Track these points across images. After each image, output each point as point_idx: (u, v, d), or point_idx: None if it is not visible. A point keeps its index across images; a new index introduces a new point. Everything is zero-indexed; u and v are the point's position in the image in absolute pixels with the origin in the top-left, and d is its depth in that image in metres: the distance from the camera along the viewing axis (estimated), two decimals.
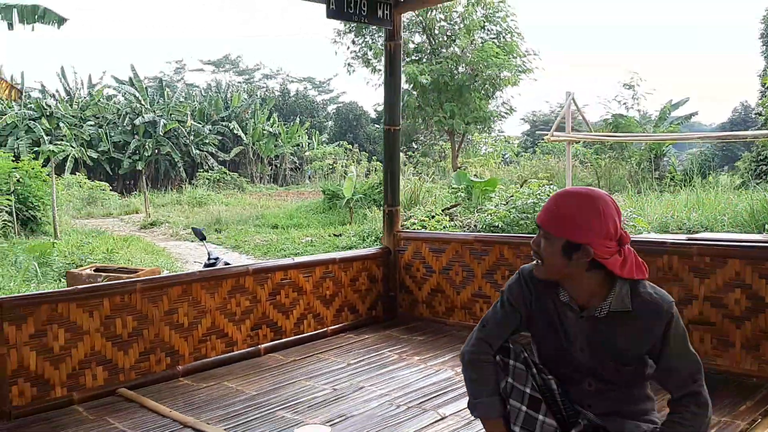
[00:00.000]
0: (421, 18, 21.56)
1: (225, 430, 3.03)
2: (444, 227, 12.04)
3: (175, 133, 33.15)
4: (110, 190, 26.46)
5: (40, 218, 15.51)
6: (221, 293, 4.02)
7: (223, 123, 35.55)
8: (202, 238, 5.54)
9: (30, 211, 15.43)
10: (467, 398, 2.36)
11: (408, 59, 21.66)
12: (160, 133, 32.29)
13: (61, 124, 30.50)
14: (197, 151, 33.68)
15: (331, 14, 4.43)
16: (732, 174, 22.74)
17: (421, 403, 3.31)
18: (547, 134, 10.64)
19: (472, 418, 2.54)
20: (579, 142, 14.66)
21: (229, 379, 3.76)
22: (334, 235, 14.02)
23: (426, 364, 3.92)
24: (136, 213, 21.89)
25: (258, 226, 17.24)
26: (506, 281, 2.38)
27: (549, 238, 2.13)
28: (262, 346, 4.21)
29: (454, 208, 13.81)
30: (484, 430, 2.32)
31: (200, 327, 3.93)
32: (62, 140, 29.58)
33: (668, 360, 2.16)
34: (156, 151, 32.64)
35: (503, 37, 21.89)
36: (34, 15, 12.81)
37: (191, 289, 3.87)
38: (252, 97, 39.19)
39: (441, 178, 23.96)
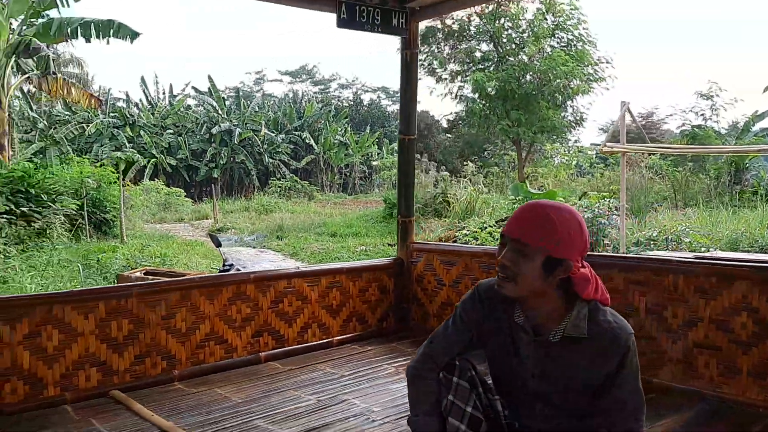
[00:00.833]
0: (489, 27, 21.38)
1: None
2: (497, 240, 11.84)
3: (250, 141, 34.10)
4: (185, 196, 27.43)
5: (112, 221, 16.21)
6: (221, 300, 4.06)
7: (296, 132, 36.30)
8: (218, 245, 5.64)
9: (103, 214, 16.15)
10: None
11: (474, 67, 21.51)
12: (236, 142, 33.28)
13: (143, 132, 31.89)
14: (270, 160, 34.51)
15: (341, 24, 4.42)
16: None
17: (398, 418, 3.23)
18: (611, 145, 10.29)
19: None
20: (633, 153, 14.09)
21: (222, 386, 3.78)
22: (389, 244, 14.03)
23: None
24: (206, 219, 22.60)
25: (318, 234, 17.46)
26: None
27: (527, 252, 2.01)
28: (263, 353, 4.23)
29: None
30: None
31: (198, 332, 3.98)
32: (142, 147, 30.92)
33: (618, 393, 2.04)
34: (231, 159, 33.64)
35: (574, 45, 21.41)
36: (109, 29, 13.52)
37: (190, 294, 3.93)
38: (325, 107, 39.84)
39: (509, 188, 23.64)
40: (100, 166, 18.00)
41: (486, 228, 12.32)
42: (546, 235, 1.98)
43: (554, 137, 23.27)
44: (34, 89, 18.55)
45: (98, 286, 4.42)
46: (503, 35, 21.45)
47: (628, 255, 5.62)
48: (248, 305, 4.17)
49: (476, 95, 21.18)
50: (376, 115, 44.74)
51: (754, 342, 3.18)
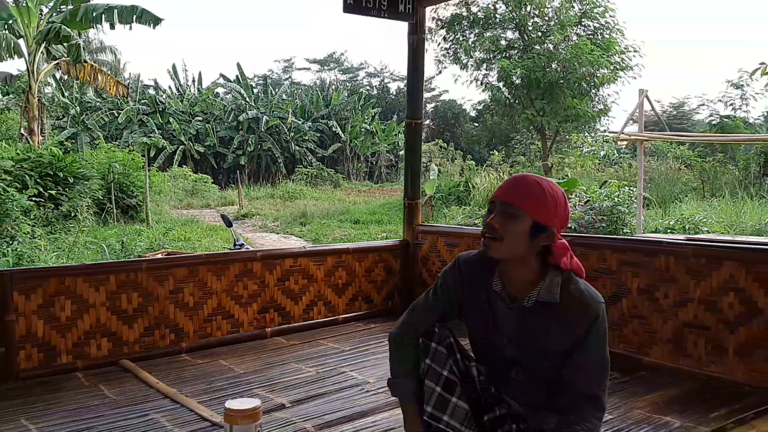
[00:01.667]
0: (514, 14, 21.27)
1: (198, 402, 3.20)
2: None
3: (277, 129, 34.38)
4: (212, 182, 27.80)
5: (138, 206, 16.55)
6: (228, 276, 4.21)
7: (323, 120, 36.48)
8: (229, 225, 5.80)
9: (130, 199, 16.51)
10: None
11: (500, 55, 21.43)
12: (263, 129, 33.58)
13: (172, 120, 32.35)
14: (297, 148, 34.76)
15: (347, 9, 4.50)
16: None
17: None
18: (628, 132, 10.24)
19: None
20: (653, 142, 13.98)
21: (227, 357, 3.94)
22: None
23: None
24: (232, 205, 22.91)
25: (341, 221, 17.63)
26: None
27: (516, 215, 2.09)
28: (269, 329, 4.37)
29: None
30: None
31: (206, 307, 4.13)
32: (171, 135, 31.40)
33: (583, 357, 2.13)
34: (258, 146, 33.96)
35: (601, 34, 21.20)
36: (132, 15, 13.76)
37: (197, 270, 4.08)
38: (352, 96, 39.94)
39: None
40: (129, 152, 18.38)
41: None
42: (535, 201, 2.08)
43: (579, 126, 23.07)
44: (65, 76, 18.97)
45: (109, 261, 4.57)
46: (529, 23, 21.32)
47: (622, 237, 5.66)
48: (255, 282, 4.32)
49: (501, 83, 21.11)
50: (403, 104, 44.58)
51: (741, 322, 3.23)
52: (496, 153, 25.30)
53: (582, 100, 21.04)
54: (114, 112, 31.68)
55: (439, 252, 4.88)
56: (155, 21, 13.93)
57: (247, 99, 34.90)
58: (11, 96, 23.72)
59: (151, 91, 36.10)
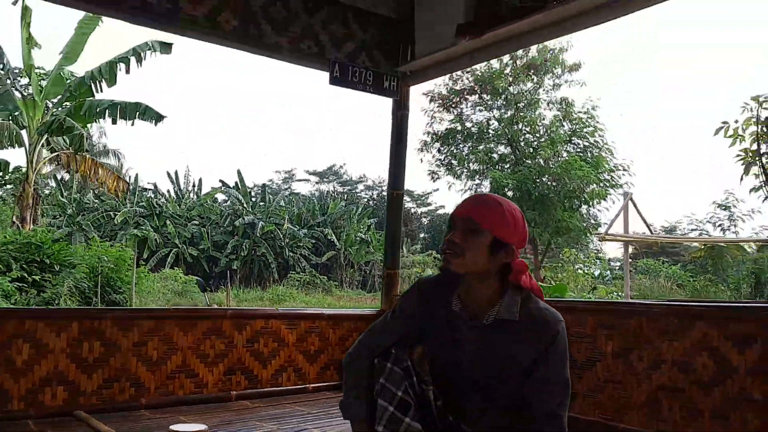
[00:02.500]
0: (506, 130, 22.03)
1: None
2: None
3: (272, 235, 34.58)
4: (199, 286, 27.61)
5: (123, 302, 16.36)
6: (195, 333, 4.11)
7: (319, 228, 36.81)
8: (203, 290, 5.74)
9: (116, 294, 16.34)
10: None
11: (492, 167, 22.00)
12: (258, 235, 33.78)
13: (168, 223, 32.61)
14: (291, 254, 34.83)
15: (333, 81, 4.67)
16: None
17: None
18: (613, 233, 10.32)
19: None
20: (635, 243, 14.10)
21: (187, 415, 3.77)
22: None
23: None
24: (219, 305, 22.66)
25: None
26: None
27: (476, 230, 2.10)
28: (234, 392, 4.21)
29: None
30: None
31: (170, 363, 4.00)
32: (166, 237, 31.55)
33: (542, 375, 2.07)
34: (252, 251, 34.03)
35: (590, 152, 21.85)
36: (135, 112, 14.21)
37: (164, 324, 3.99)
38: (349, 205, 40.52)
39: None
40: (121, 248, 18.36)
41: None
42: (495, 218, 2.09)
43: (570, 241, 23.32)
44: (64, 170, 19.31)
45: (74, 307, 4.47)
46: (521, 139, 22.05)
47: (597, 300, 5.58)
48: (223, 341, 4.21)
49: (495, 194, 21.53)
50: None
51: (715, 382, 3.13)
52: None
53: (573, 214, 21.38)
54: (111, 213, 31.96)
55: None
56: (157, 118, 14.36)
57: (245, 204, 35.37)
58: (8, 187, 24.01)
59: (150, 194, 36.59)
